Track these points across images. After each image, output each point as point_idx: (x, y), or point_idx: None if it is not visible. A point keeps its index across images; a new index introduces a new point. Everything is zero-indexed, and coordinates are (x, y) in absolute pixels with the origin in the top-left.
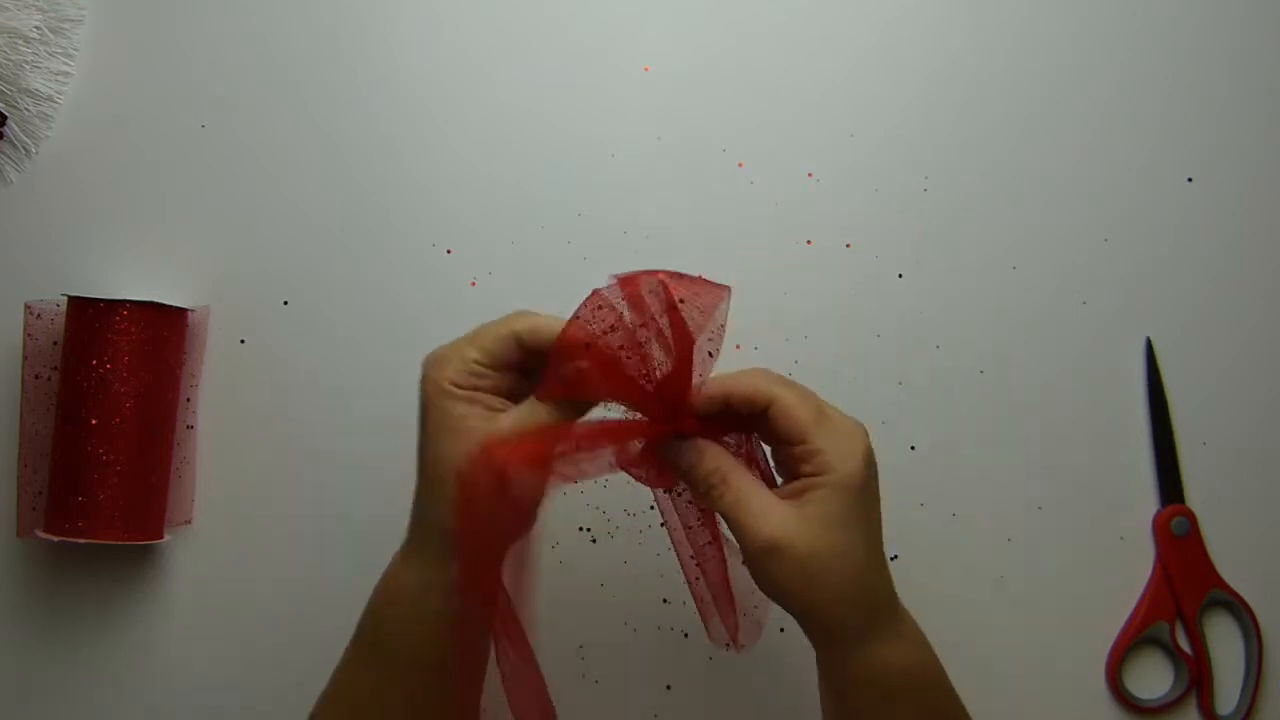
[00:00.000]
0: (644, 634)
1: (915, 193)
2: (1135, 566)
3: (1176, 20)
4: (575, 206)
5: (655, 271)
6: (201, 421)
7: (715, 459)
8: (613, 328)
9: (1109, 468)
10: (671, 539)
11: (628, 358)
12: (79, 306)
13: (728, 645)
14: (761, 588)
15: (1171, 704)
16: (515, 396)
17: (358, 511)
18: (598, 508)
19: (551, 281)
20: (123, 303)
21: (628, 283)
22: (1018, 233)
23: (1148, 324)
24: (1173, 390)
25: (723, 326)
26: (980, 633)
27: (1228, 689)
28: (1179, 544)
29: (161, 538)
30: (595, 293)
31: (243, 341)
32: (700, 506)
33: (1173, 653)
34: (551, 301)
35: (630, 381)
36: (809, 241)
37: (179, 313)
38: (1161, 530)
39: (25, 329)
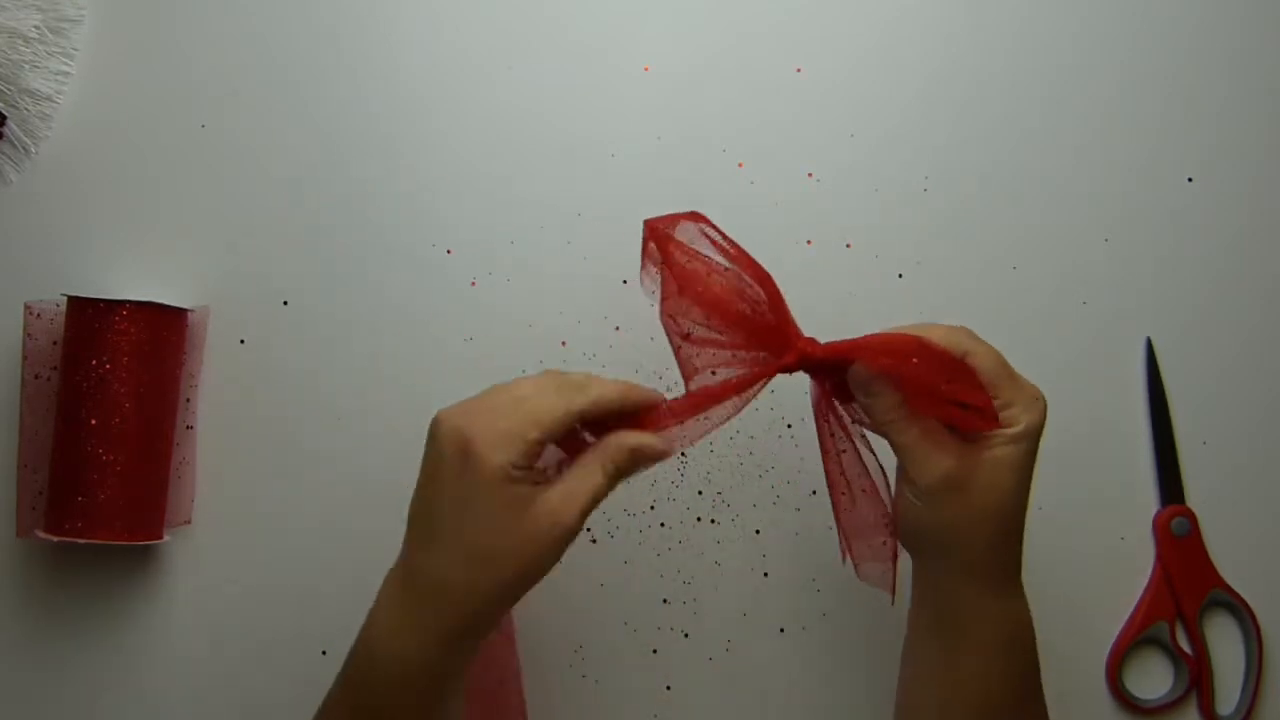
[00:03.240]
0: (644, 634)
1: (915, 193)
2: (1135, 566)
3: (1176, 20)
4: (575, 206)
5: (680, 215)
6: (201, 421)
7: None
8: (709, 272)
9: (1109, 468)
10: (831, 464)
11: (738, 303)
12: (79, 306)
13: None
14: (922, 525)
15: (1171, 704)
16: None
17: (357, 511)
18: (598, 508)
19: (551, 281)
20: (123, 303)
21: (661, 226)
22: (1018, 233)
23: (1148, 324)
24: (1173, 390)
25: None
26: None
27: (1228, 689)
28: (1179, 544)
29: (161, 538)
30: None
31: (243, 341)
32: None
33: (1173, 653)
34: (551, 301)
35: (747, 320)
36: (809, 241)
37: (179, 313)
38: (1161, 530)
39: (25, 329)
